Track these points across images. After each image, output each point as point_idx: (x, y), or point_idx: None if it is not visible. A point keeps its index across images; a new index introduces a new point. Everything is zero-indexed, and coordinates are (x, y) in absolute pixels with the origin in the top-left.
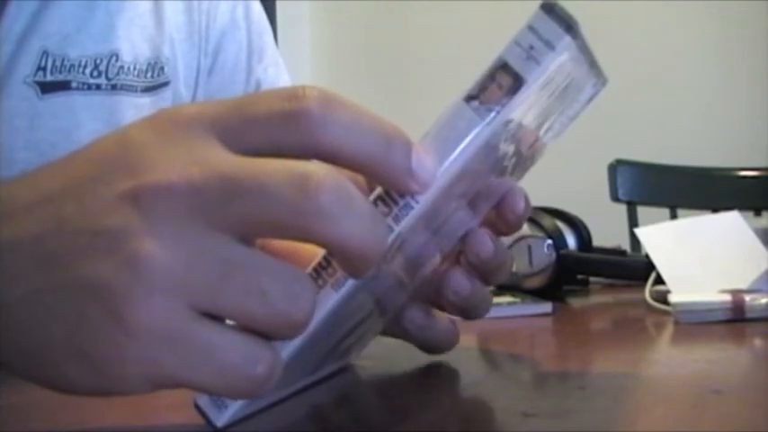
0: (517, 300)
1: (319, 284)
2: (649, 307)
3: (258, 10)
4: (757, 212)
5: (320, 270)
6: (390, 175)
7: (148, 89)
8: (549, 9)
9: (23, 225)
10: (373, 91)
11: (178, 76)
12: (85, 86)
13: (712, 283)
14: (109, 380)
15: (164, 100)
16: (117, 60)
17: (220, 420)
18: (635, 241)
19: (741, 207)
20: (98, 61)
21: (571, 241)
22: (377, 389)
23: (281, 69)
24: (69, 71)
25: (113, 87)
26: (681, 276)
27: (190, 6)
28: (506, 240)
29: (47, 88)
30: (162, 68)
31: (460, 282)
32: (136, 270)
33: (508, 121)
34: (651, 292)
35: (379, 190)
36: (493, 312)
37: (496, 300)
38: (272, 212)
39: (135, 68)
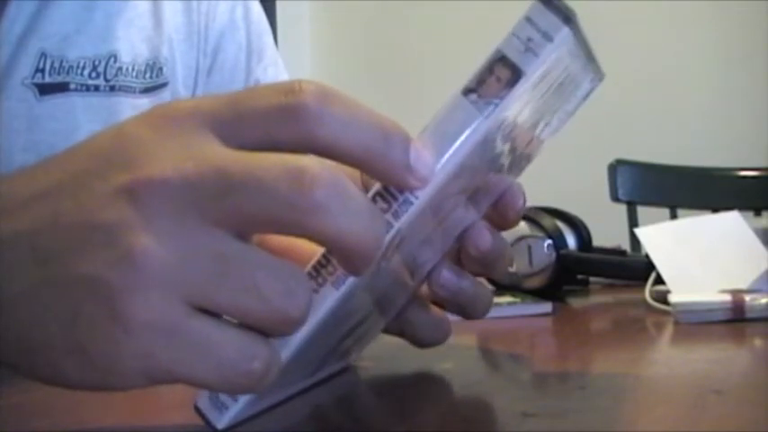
0: (517, 300)
1: (319, 282)
2: (649, 307)
3: (257, 10)
4: (757, 212)
5: (319, 268)
6: (388, 171)
7: (147, 90)
8: (548, 1)
9: (20, 220)
10: (373, 91)
11: (177, 76)
12: (84, 88)
13: (712, 283)
14: (106, 374)
15: (162, 100)
16: (115, 61)
17: (220, 423)
18: (635, 241)
19: (741, 207)
20: (96, 62)
21: (571, 241)
22: (377, 389)
23: (280, 69)
24: (68, 72)
25: (112, 89)
26: (681, 276)
27: (189, 7)
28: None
29: (45, 90)
30: (160, 69)
31: (447, 276)
32: (132, 265)
33: (504, 119)
34: (651, 292)
35: (377, 186)
36: (493, 312)
37: (496, 300)
38: (267, 207)
39: (133, 69)
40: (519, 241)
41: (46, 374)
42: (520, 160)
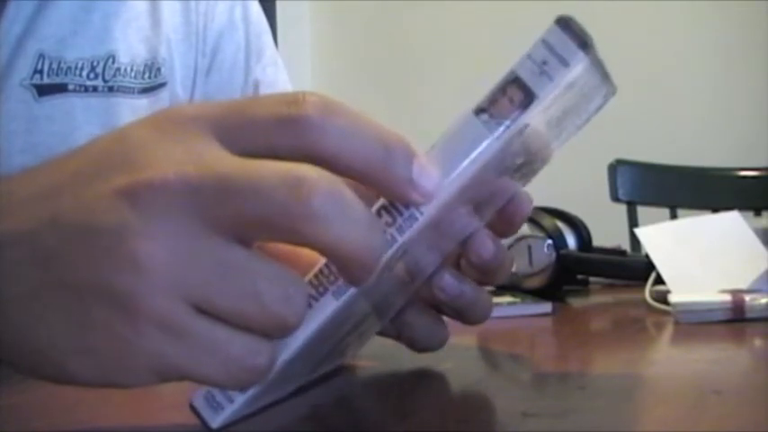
0: (517, 300)
1: (320, 291)
2: (649, 307)
3: (256, 10)
4: (757, 212)
5: (321, 277)
6: (389, 184)
7: (145, 90)
8: (565, 24)
9: (20, 220)
10: (373, 91)
11: (175, 76)
12: (82, 89)
13: (712, 283)
14: (115, 373)
15: (161, 101)
16: (114, 62)
17: (215, 422)
18: (635, 241)
19: (741, 207)
20: (95, 63)
21: (571, 241)
22: (376, 389)
23: (279, 69)
24: (66, 74)
25: (110, 89)
26: (681, 276)
27: (187, 7)
28: (506, 240)
29: (43, 91)
30: (159, 69)
31: (449, 280)
32: (135, 267)
33: (521, 131)
34: (651, 292)
35: (382, 200)
36: (493, 312)
37: (496, 300)
38: (265, 214)
39: (132, 70)
40: (519, 241)
41: (49, 373)
42: (531, 169)
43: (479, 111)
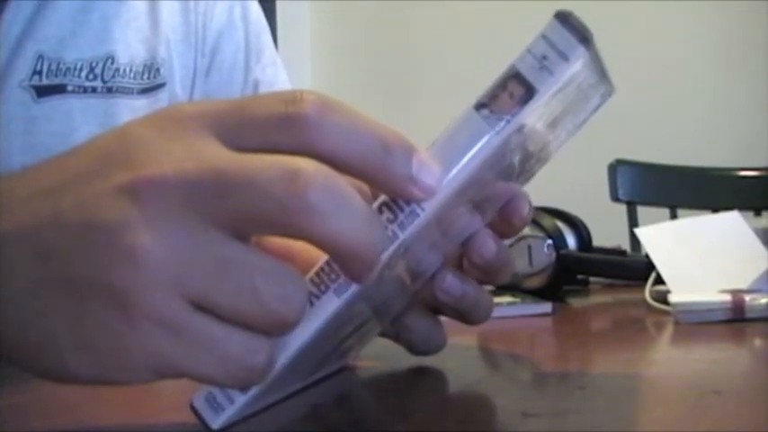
0: (517, 300)
1: (321, 289)
2: (649, 307)
3: (256, 10)
4: (757, 212)
5: (322, 274)
6: (389, 182)
7: (144, 91)
8: (564, 19)
9: (21, 217)
10: (373, 91)
11: (174, 77)
12: (81, 90)
13: (712, 283)
14: (113, 369)
15: (160, 101)
16: (113, 63)
17: (215, 423)
18: (635, 241)
19: (741, 207)
20: (94, 64)
21: (571, 241)
22: (376, 389)
23: (279, 69)
24: (65, 75)
25: (109, 90)
26: (681, 276)
27: (186, 7)
28: (506, 240)
29: (42, 92)
30: (158, 70)
31: (451, 281)
32: (134, 263)
33: (521, 126)
34: (651, 292)
35: (384, 196)
36: (493, 312)
37: (496, 300)
38: (262, 207)
39: (131, 71)
40: (519, 241)
41: (49, 370)
42: (530, 167)
43: (480, 106)
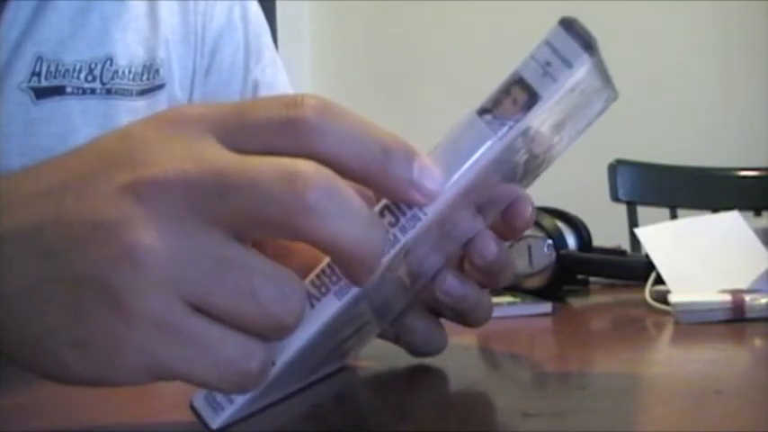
0: (517, 300)
1: (322, 291)
2: (649, 307)
3: (255, 10)
4: (757, 212)
5: (323, 277)
6: (390, 186)
7: (143, 92)
8: (569, 25)
9: (23, 216)
10: (373, 91)
11: (173, 77)
12: (80, 91)
13: (712, 283)
14: (107, 369)
15: (159, 102)
16: (112, 64)
17: (215, 423)
18: (635, 241)
19: (741, 207)
20: (93, 66)
21: (571, 241)
22: (376, 389)
23: (278, 70)
24: (64, 76)
25: (108, 92)
26: (681, 276)
27: (185, 8)
28: (507, 242)
29: (41, 93)
30: (157, 71)
31: (452, 282)
32: (133, 262)
33: (525, 132)
34: (651, 292)
35: (385, 200)
36: (493, 312)
37: (496, 300)
38: (262, 208)
39: (130, 72)
40: (519, 241)
41: (46, 368)
42: (533, 170)
43: (483, 111)
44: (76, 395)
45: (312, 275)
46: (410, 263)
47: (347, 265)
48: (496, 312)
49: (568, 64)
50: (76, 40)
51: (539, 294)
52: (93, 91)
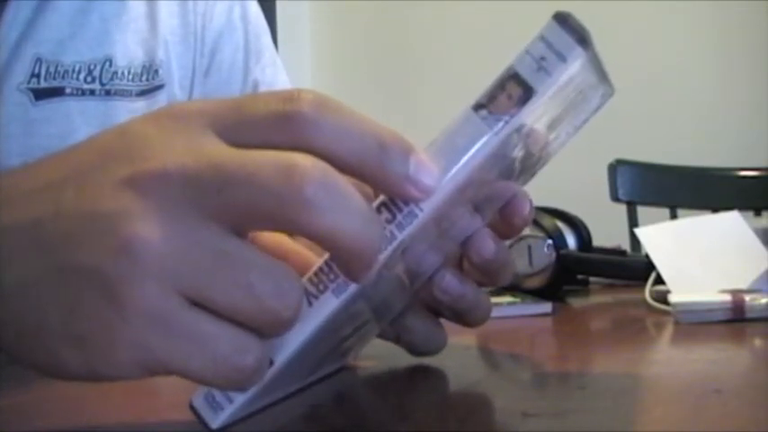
0: (517, 300)
1: (320, 289)
2: (649, 307)
3: (255, 11)
4: (757, 212)
5: (321, 274)
6: (386, 181)
7: (143, 93)
8: (563, 20)
9: (22, 210)
10: (373, 91)
11: (173, 78)
12: (79, 92)
13: (712, 283)
14: (102, 363)
15: (158, 103)
16: (111, 65)
17: (215, 422)
18: (635, 241)
19: (741, 207)
20: (92, 67)
21: (571, 241)
22: (376, 389)
23: (278, 69)
24: (63, 77)
25: (107, 93)
26: (681, 276)
27: (185, 8)
28: (506, 241)
29: (40, 94)
30: (156, 71)
31: (450, 281)
32: (130, 255)
33: (521, 126)
34: (651, 292)
35: (382, 196)
36: (493, 312)
37: (497, 300)
38: (259, 201)
39: (129, 73)
40: (519, 241)
41: (43, 363)
42: (532, 166)
43: (478, 107)
44: (76, 395)
45: (310, 273)
46: (408, 261)
47: (344, 260)
48: (496, 312)
49: (563, 58)
50: (76, 41)
51: (539, 294)
52: (92, 92)
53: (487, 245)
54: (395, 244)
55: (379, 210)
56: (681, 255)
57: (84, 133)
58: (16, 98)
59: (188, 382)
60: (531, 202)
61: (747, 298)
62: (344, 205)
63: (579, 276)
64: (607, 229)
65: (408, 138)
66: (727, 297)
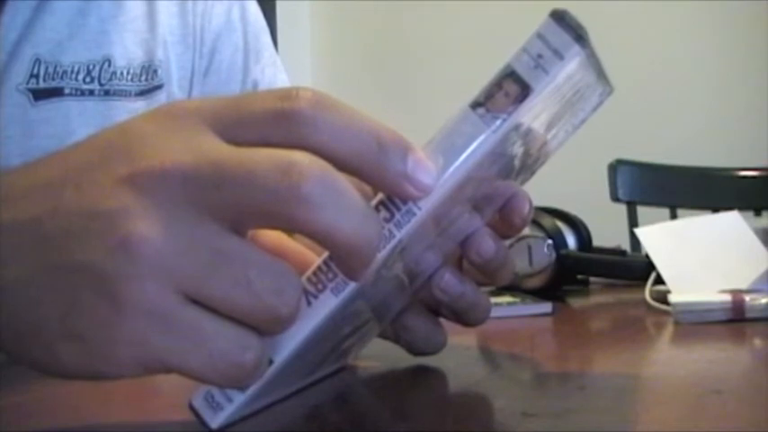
0: (517, 300)
1: (319, 288)
2: (649, 307)
3: (254, 11)
4: (757, 212)
5: (319, 273)
6: (384, 179)
7: (142, 93)
8: (559, 17)
9: (22, 208)
10: (373, 91)
11: (172, 78)
12: (78, 92)
13: (712, 283)
14: (101, 361)
15: (158, 103)
16: (110, 66)
17: (214, 422)
18: (635, 241)
19: (741, 207)
20: (91, 67)
21: (571, 241)
22: (376, 389)
23: (278, 69)
24: (62, 78)
25: (106, 93)
26: (681, 276)
27: (184, 8)
28: (506, 241)
29: (40, 95)
30: (155, 71)
31: (449, 280)
32: (128, 252)
33: (518, 125)
34: (651, 292)
35: (380, 195)
36: (493, 312)
37: (497, 300)
38: (257, 198)
39: (128, 73)
40: (519, 241)
41: (42, 361)
42: (531, 165)
43: (476, 105)
44: (76, 395)
45: (309, 272)
46: (407, 260)
47: (342, 258)
48: (496, 312)
49: (560, 56)
50: (74, 42)
51: (539, 294)
52: (91, 92)
53: (487, 244)
54: (393, 242)
55: (377, 208)
56: (681, 255)
57: (83, 134)
58: (15, 99)
59: (188, 383)
60: (530, 201)
61: (747, 298)
62: (342, 203)
63: (579, 276)
64: (607, 229)
65: (408, 137)
66: (727, 297)
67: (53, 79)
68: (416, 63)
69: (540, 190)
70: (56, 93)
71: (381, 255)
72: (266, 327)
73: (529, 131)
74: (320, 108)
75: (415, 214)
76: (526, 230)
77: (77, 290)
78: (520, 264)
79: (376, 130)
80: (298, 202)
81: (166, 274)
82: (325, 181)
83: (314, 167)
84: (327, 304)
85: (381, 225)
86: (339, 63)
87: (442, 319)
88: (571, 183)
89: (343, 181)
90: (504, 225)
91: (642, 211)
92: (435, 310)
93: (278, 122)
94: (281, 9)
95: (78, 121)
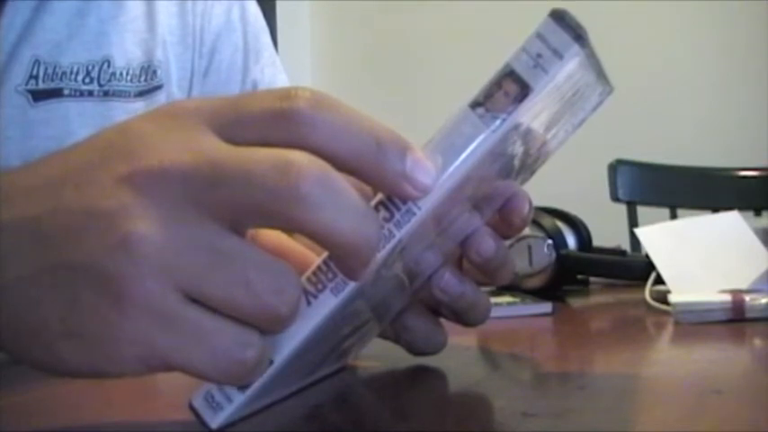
0: (517, 300)
1: (318, 288)
2: (649, 307)
3: (254, 11)
4: (757, 212)
5: (319, 273)
6: (383, 179)
7: (141, 93)
8: (559, 17)
9: (22, 207)
10: (373, 91)
11: (171, 78)
12: (78, 93)
13: (712, 283)
14: (103, 360)
15: (157, 103)
16: (109, 66)
17: (214, 422)
18: (635, 241)
19: (741, 207)
20: (90, 68)
21: (571, 241)
22: (376, 389)
23: (278, 70)
24: (61, 78)
25: (106, 94)
26: (681, 276)
27: (183, 8)
28: (506, 241)
29: (39, 96)
30: (155, 72)
31: (449, 280)
32: (129, 250)
33: (518, 125)
34: (651, 292)
35: (380, 195)
36: (493, 312)
37: (497, 300)
38: (256, 198)
39: (128, 74)
40: (519, 241)
41: (42, 359)
42: (530, 164)
43: (475, 105)
44: (76, 395)
45: (308, 272)
46: (407, 260)
47: (341, 258)
48: (496, 312)
49: (559, 55)
50: (74, 43)
51: (539, 294)
52: (90, 93)
53: (487, 244)
54: (393, 242)
55: (377, 208)
56: (681, 255)
57: (82, 134)
58: (15, 100)
59: (188, 382)
60: (530, 201)
61: (747, 298)
62: (341, 202)
63: (579, 276)
64: (607, 229)
65: (408, 137)
66: (727, 297)
67: (52, 80)
68: (416, 63)
69: (540, 190)
70: (55, 94)
71: (381, 255)
72: (266, 326)
73: (528, 131)
74: (319, 108)
75: (414, 214)
76: (526, 230)
77: (78, 289)
78: (520, 264)
79: (375, 129)
80: (296, 201)
81: (166, 273)
82: (324, 181)
83: (313, 167)
84: (327, 304)
85: (380, 225)
86: (339, 63)
87: (442, 319)
88: (571, 183)
89: (342, 181)
90: (504, 225)
91: (642, 211)
92: (435, 310)
93: (277, 122)
94: (281, 9)
95: (78, 121)
